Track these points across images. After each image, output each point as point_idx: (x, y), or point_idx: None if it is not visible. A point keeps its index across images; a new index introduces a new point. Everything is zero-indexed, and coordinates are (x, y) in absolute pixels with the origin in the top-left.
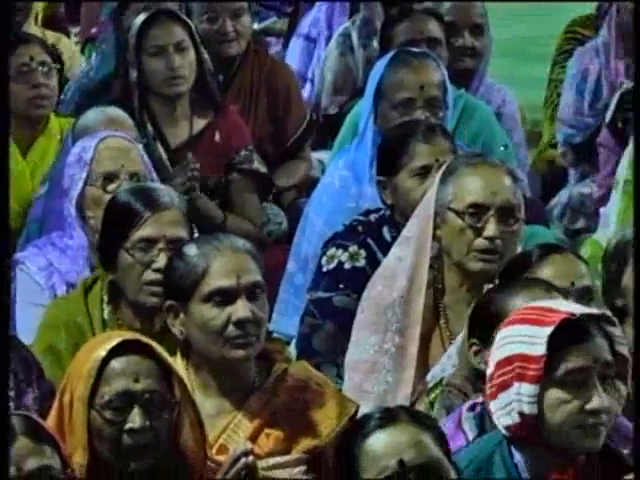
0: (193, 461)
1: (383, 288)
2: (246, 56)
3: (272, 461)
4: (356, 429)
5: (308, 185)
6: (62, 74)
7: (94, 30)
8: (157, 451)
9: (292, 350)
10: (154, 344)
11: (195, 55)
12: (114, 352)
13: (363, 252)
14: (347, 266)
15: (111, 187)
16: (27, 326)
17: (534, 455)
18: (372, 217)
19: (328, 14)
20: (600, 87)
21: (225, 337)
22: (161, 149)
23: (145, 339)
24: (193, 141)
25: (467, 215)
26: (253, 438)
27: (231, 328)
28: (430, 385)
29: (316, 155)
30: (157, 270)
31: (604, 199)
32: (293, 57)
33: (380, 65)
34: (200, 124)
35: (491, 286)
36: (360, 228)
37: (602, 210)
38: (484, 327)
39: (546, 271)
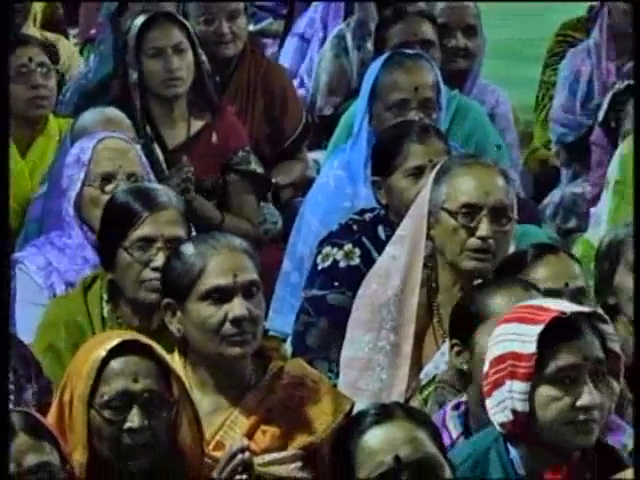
0: (191, 458)
1: (378, 286)
2: (243, 57)
3: (268, 457)
4: (352, 425)
5: (304, 185)
6: (61, 76)
7: (93, 31)
8: (155, 450)
9: (288, 348)
10: (153, 344)
11: (193, 57)
12: (114, 352)
13: (358, 251)
14: (342, 264)
15: (109, 187)
16: (27, 325)
17: (529, 451)
18: (367, 216)
19: (323, 15)
20: (592, 88)
21: (222, 335)
22: (159, 150)
23: (144, 339)
24: (190, 142)
25: (460, 215)
26: (249, 435)
27: (228, 326)
28: (424, 382)
29: (311, 155)
30: (155, 269)
31: (598, 198)
32: (287, 55)
33: (374, 66)
34: (197, 125)
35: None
36: (355, 227)
37: (592, 210)
38: (465, 327)
39: (540, 272)
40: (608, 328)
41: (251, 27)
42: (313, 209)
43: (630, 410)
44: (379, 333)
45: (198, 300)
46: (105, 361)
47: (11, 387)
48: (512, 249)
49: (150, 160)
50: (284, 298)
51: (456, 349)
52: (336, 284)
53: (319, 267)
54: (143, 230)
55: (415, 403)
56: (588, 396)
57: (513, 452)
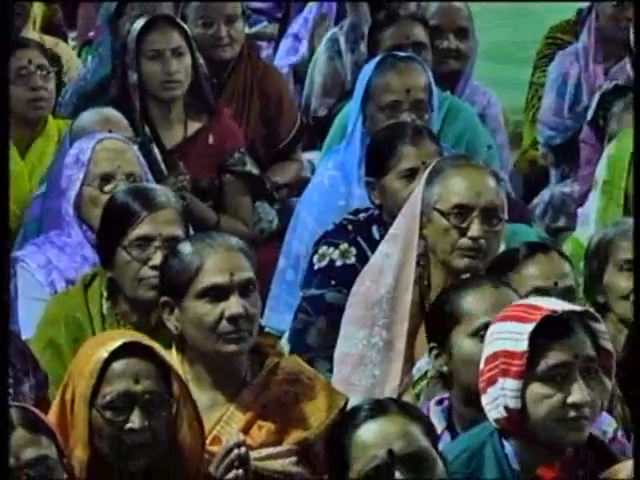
0: (191, 456)
1: (371, 284)
2: (240, 60)
3: (264, 452)
4: (346, 420)
5: (299, 185)
6: (60, 78)
7: (91, 34)
8: (155, 450)
9: (283, 345)
10: (154, 345)
11: (191, 60)
12: (115, 353)
13: (353, 250)
14: (338, 263)
15: (108, 187)
16: (29, 320)
17: (523, 447)
18: (361, 216)
19: (316, 15)
20: (580, 90)
21: (218, 332)
22: (157, 150)
23: (145, 341)
24: (188, 143)
25: (452, 216)
26: (246, 430)
27: (224, 323)
28: (416, 378)
29: (306, 155)
30: (154, 267)
31: (586, 195)
32: (280, 55)
33: (368, 69)
34: (195, 126)
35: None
36: (350, 227)
37: (580, 210)
38: (441, 329)
39: (531, 270)
40: (600, 326)
41: (246, 30)
42: (308, 208)
43: (619, 407)
44: (372, 330)
45: (195, 298)
46: (107, 362)
47: (9, 381)
48: (502, 248)
49: (148, 160)
50: (280, 296)
51: (434, 352)
52: (333, 283)
53: (316, 267)
54: (142, 229)
55: (408, 398)
56: (579, 393)
57: (508, 447)
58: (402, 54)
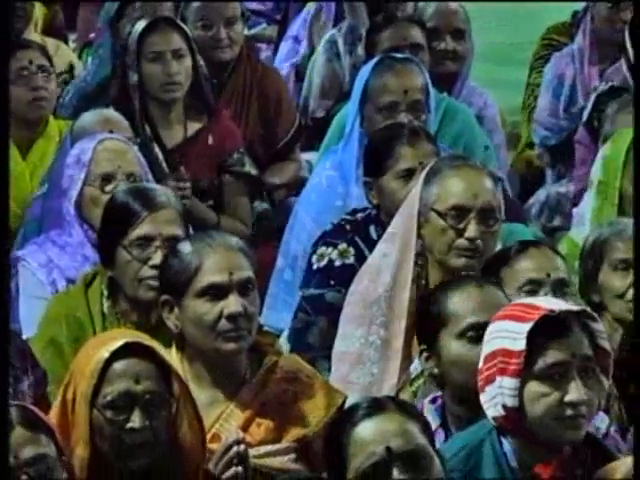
0: (191, 454)
1: (369, 283)
2: (239, 62)
3: (263, 449)
4: (344, 418)
5: (297, 185)
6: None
7: (92, 35)
8: (155, 450)
9: (282, 343)
10: (155, 345)
11: (191, 61)
12: (116, 353)
13: (352, 250)
14: (337, 263)
15: (109, 187)
16: (30, 319)
17: (522, 445)
18: (359, 216)
19: (314, 16)
20: (575, 91)
21: (218, 331)
22: (157, 149)
23: (146, 341)
24: (188, 143)
25: (449, 217)
26: (245, 427)
27: (223, 322)
28: (413, 375)
29: (304, 156)
30: (154, 266)
31: (581, 194)
32: (280, 57)
33: (365, 70)
34: (194, 127)
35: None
36: (348, 227)
37: (575, 210)
38: (429, 331)
39: (523, 264)
40: (597, 326)
41: (245, 32)
42: (306, 208)
43: (616, 406)
44: (370, 328)
45: (195, 297)
46: (108, 362)
47: (9, 379)
48: (499, 247)
49: (149, 160)
50: (278, 295)
51: (425, 355)
52: (332, 283)
53: (314, 267)
54: (142, 229)
55: (405, 395)
56: (576, 392)
57: (506, 445)
58: (399, 55)
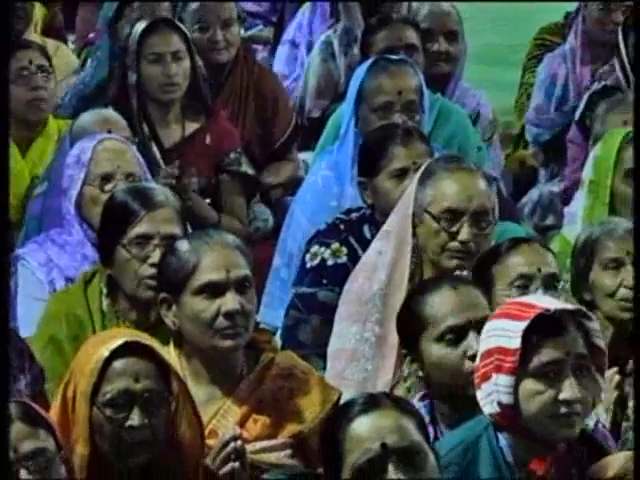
0: (190, 451)
1: (364, 281)
2: (236, 63)
3: (259, 445)
4: (340, 414)
5: (294, 184)
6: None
7: (91, 36)
8: (154, 448)
9: (278, 341)
10: (154, 344)
11: (190, 62)
12: (116, 352)
13: (345, 249)
14: (330, 263)
15: (108, 187)
16: (28, 319)
17: (517, 441)
18: (353, 216)
19: (309, 20)
20: (567, 91)
21: (215, 328)
22: (155, 149)
23: (145, 340)
24: (185, 143)
25: (443, 219)
26: (241, 423)
27: (221, 319)
28: (405, 373)
29: (300, 156)
30: (152, 265)
31: (571, 191)
32: (279, 62)
33: (360, 71)
34: (192, 127)
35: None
36: (342, 226)
37: (567, 209)
38: (410, 334)
39: (514, 259)
40: (592, 324)
41: (242, 34)
42: (302, 207)
43: (611, 405)
44: (365, 325)
45: (192, 294)
46: (108, 361)
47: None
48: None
49: (147, 159)
50: (274, 293)
51: (409, 358)
52: (324, 282)
53: (307, 265)
54: (141, 228)
55: (399, 391)
56: (570, 390)
57: (502, 440)
58: (394, 57)
